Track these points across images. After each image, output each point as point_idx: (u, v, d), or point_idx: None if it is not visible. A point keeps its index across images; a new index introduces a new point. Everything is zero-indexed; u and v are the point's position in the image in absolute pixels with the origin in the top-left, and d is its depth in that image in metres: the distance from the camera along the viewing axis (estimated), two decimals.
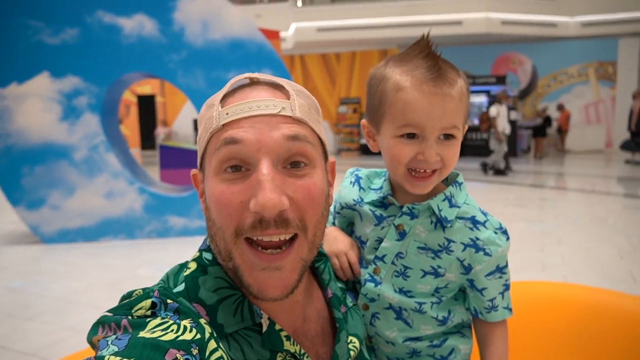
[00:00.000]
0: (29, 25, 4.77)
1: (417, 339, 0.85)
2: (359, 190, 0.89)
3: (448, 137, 0.76)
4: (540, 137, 13.94)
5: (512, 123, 13.95)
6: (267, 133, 0.61)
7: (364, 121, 0.86)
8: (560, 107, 14.51)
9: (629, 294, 1.30)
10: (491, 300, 0.83)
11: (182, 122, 18.16)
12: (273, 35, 8.06)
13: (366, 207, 0.86)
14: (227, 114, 0.63)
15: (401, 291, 0.83)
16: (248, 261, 0.62)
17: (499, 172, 9.98)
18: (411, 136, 0.75)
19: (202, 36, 5.04)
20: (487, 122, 9.78)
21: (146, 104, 18.84)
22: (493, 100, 9.83)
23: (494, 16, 14.51)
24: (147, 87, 18.46)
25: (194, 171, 0.72)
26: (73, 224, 5.07)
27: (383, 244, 0.83)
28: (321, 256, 0.81)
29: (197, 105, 5.12)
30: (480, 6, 14.46)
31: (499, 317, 0.84)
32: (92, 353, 0.60)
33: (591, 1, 14.71)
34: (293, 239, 0.63)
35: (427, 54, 0.75)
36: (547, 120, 14.00)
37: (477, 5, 14.47)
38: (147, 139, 18.51)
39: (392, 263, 0.83)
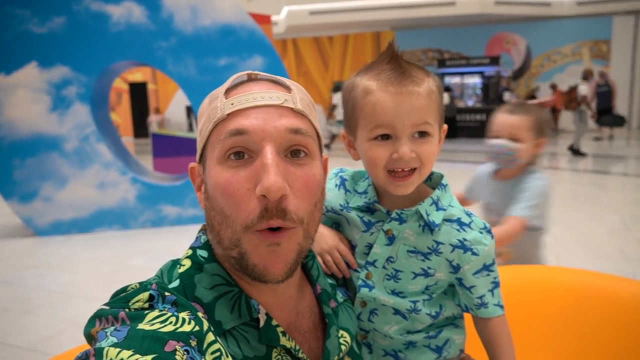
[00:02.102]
0: (15, 14, 4.68)
1: (414, 332, 0.87)
2: (345, 193, 0.89)
3: (422, 134, 0.77)
4: None
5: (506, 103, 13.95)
6: (270, 123, 0.64)
7: (342, 132, 0.87)
8: (553, 87, 14.49)
9: (617, 276, 1.31)
10: (480, 297, 0.84)
11: (174, 109, 18.04)
12: (264, 20, 7.97)
13: (353, 213, 0.86)
14: (232, 104, 0.65)
15: (393, 292, 0.84)
16: (255, 243, 0.63)
17: (579, 152, 9.36)
18: (385, 137, 0.77)
19: (191, 22, 4.97)
20: (575, 100, 9.11)
21: (138, 92, 18.67)
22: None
23: None
24: (138, 74, 18.28)
25: (192, 164, 0.73)
26: (66, 215, 5.05)
27: (374, 250, 0.84)
28: (308, 252, 0.81)
29: (189, 92, 5.08)
30: None
31: (490, 314, 0.85)
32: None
33: None
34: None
35: (391, 57, 0.77)
36: (532, 99, 13.99)
37: None
38: (140, 127, 18.40)
39: (383, 267, 0.84)
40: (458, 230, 0.82)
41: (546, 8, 15.17)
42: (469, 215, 0.84)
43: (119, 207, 5.14)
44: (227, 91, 0.68)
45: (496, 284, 0.85)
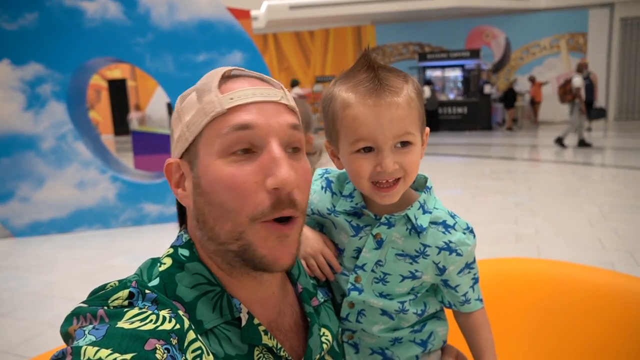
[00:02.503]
0: None
1: (400, 329, 0.88)
2: (332, 196, 0.88)
3: (404, 144, 0.76)
4: (507, 108, 14.17)
5: (487, 96, 14.12)
6: (273, 118, 0.65)
7: (325, 142, 0.86)
8: (532, 79, 14.67)
9: (593, 267, 1.33)
10: (464, 294, 0.87)
11: (155, 105, 17.82)
12: (243, 14, 7.90)
13: (341, 218, 0.86)
14: (231, 99, 0.64)
15: (381, 295, 0.85)
16: (263, 236, 0.64)
17: (584, 144, 9.41)
18: (367, 150, 0.76)
19: (168, 18, 4.90)
20: (570, 93, 9.07)
21: (117, 89, 18.39)
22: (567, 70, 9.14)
23: None
24: (117, 71, 18.00)
25: (170, 160, 0.70)
26: (45, 215, 4.96)
27: (363, 254, 0.84)
28: None
29: (168, 89, 5.02)
30: None
31: (472, 309, 0.88)
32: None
33: None
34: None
35: (368, 67, 0.76)
36: (511, 92, 14.16)
37: None
38: (120, 125, 18.14)
39: (372, 271, 0.84)
40: (443, 232, 0.83)
41: (523, 1, 15.34)
42: (452, 216, 0.85)
43: (99, 206, 5.06)
44: (220, 86, 0.66)
45: (476, 280, 0.88)
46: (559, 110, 15.80)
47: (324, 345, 0.75)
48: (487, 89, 14.06)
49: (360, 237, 0.84)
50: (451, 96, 15.22)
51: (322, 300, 0.83)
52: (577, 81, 8.91)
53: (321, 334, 0.76)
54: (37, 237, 4.92)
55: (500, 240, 4.11)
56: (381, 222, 0.82)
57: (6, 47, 4.65)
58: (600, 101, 13.92)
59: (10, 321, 2.98)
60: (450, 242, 0.82)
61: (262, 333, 0.67)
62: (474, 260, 0.87)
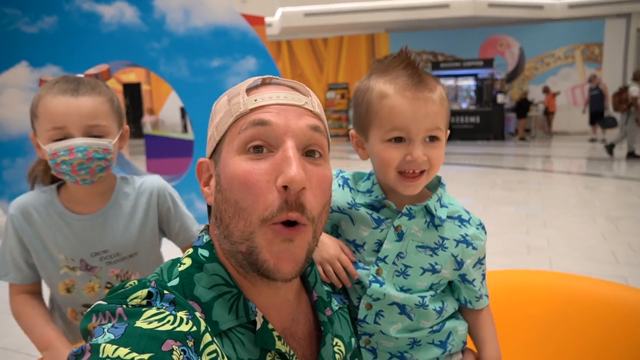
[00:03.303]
0: (5, 13, 4.65)
1: (418, 330, 0.89)
2: (350, 191, 0.91)
3: (433, 139, 0.81)
4: (519, 118, 14.10)
5: (500, 106, 14.03)
6: (293, 120, 0.65)
7: (352, 131, 0.89)
8: (546, 90, 14.56)
9: (600, 279, 1.31)
10: (479, 289, 0.91)
11: (168, 110, 17.98)
12: (258, 21, 7.95)
13: (362, 210, 0.88)
14: (255, 100, 0.66)
15: (402, 289, 0.86)
16: (269, 238, 0.63)
17: (633, 155, 9.12)
18: (398, 140, 0.81)
19: (183, 24, 4.95)
20: (626, 102, 8.80)
21: (132, 93, 18.60)
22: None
23: None
24: (132, 75, 18.21)
25: (201, 159, 0.73)
26: None
27: (385, 246, 0.86)
28: None
29: (181, 93, 5.06)
30: None
31: (484, 304, 0.92)
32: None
33: None
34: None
35: (407, 63, 0.82)
36: (524, 102, 14.07)
37: None
38: (134, 128, 18.34)
39: (393, 263, 0.86)
40: (459, 226, 0.87)
41: (538, 11, 15.26)
42: (467, 212, 0.90)
43: None
44: (248, 90, 0.69)
45: (484, 276, 0.92)
46: (573, 120, 15.65)
47: (337, 356, 0.75)
48: (500, 98, 13.98)
49: (382, 230, 0.86)
50: (464, 105, 15.16)
51: (336, 308, 0.82)
52: (635, 90, 8.63)
53: (334, 344, 0.76)
54: None
55: (511, 251, 4.07)
56: (403, 213, 0.85)
57: (25, 50, 4.73)
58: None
59: None
60: (467, 235, 0.86)
61: (276, 338, 0.67)
62: (485, 257, 0.91)
